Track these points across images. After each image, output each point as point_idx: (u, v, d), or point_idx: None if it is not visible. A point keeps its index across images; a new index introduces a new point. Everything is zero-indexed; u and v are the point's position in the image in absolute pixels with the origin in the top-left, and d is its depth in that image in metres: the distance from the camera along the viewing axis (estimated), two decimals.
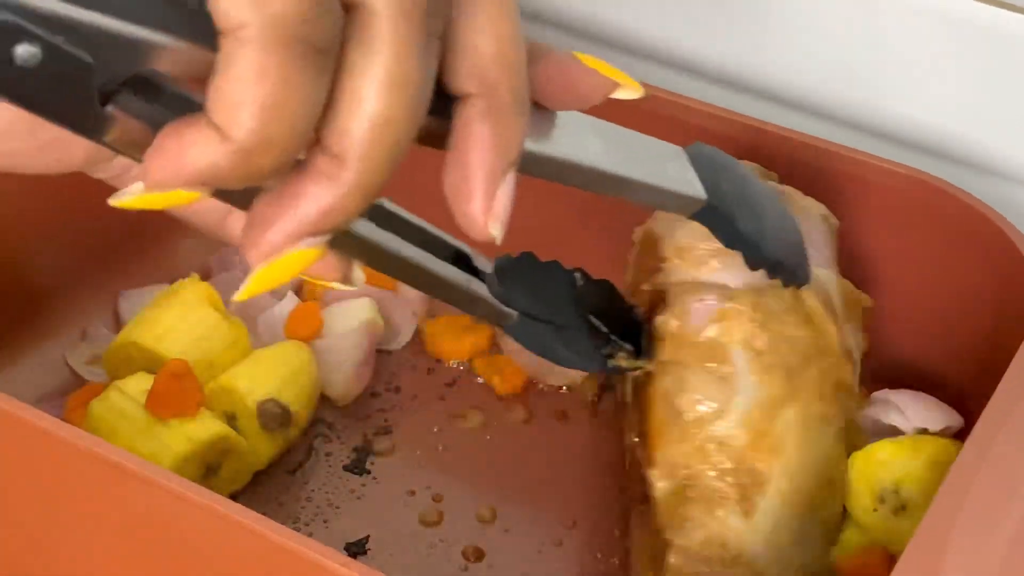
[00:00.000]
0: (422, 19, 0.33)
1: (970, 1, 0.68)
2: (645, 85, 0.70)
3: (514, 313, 0.52)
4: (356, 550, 0.64)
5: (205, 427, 0.63)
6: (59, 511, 0.54)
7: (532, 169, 0.39)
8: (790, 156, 0.68)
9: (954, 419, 0.64)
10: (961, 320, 0.66)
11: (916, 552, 0.45)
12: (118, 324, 0.73)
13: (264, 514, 0.47)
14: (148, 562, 0.53)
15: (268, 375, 0.66)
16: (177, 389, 0.63)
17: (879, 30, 0.71)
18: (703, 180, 0.45)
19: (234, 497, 0.63)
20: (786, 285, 0.54)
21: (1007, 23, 0.67)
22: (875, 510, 0.60)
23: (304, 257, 0.34)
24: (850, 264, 0.70)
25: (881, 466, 0.60)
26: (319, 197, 0.33)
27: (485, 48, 0.35)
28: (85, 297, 0.74)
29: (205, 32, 0.32)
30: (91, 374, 0.71)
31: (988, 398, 0.52)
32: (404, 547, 0.64)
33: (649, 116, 0.70)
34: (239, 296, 0.36)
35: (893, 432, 0.63)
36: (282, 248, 0.34)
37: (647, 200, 0.44)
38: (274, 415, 0.65)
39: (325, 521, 0.65)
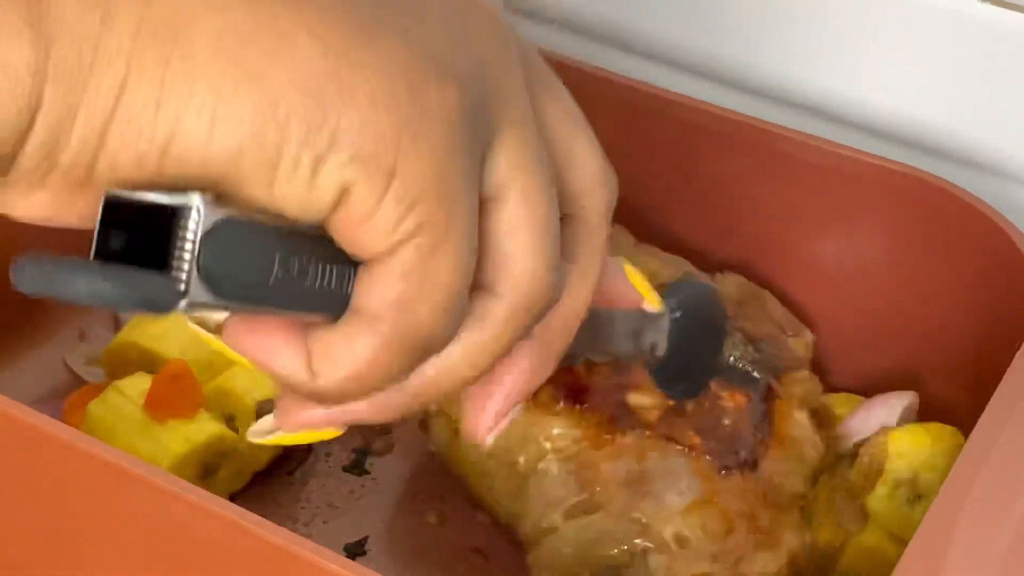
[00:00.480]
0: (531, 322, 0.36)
1: (970, 1, 0.68)
2: (645, 85, 0.71)
3: None
4: (355, 551, 0.64)
5: (203, 428, 0.63)
6: (58, 512, 0.54)
7: None
8: (790, 155, 0.68)
9: (907, 397, 0.65)
10: (961, 319, 0.66)
11: (920, 548, 0.45)
12: (117, 325, 0.73)
13: (263, 515, 0.47)
14: (148, 563, 0.53)
15: (267, 376, 0.65)
16: (176, 390, 0.63)
17: (879, 29, 0.71)
18: (670, 339, 0.49)
19: (233, 498, 0.63)
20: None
21: (1007, 23, 0.67)
22: (891, 499, 0.60)
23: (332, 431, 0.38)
24: (850, 263, 0.70)
25: (899, 454, 0.60)
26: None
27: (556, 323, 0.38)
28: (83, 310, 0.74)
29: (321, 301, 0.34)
30: (89, 374, 0.71)
31: (989, 397, 0.52)
32: (404, 548, 0.64)
33: (649, 116, 0.70)
34: (258, 440, 0.39)
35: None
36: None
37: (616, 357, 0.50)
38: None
39: (324, 522, 0.65)
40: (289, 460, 0.67)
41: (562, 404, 0.58)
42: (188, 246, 0.31)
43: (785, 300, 0.72)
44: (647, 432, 0.58)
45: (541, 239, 0.34)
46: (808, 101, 0.74)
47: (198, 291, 0.31)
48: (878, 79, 0.72)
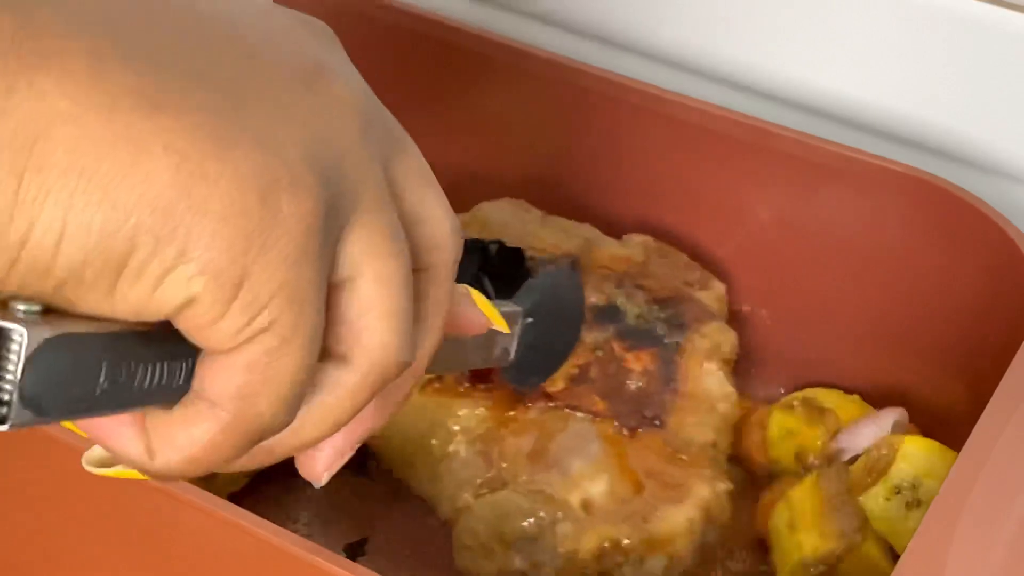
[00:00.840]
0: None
1: (970, 1, 0.68)
2: (646, 85, 0.71)
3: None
4: (355, 551, 0.64)
5: None
6: (58, 513, 0.54)
7: None
8: (790, 155, 0.68)
9: (895, 412, 0.66)
10: (961, 318, 0.66)
11: (918, 551, 0.45)
12: None
13: (264, 516, 0.47)
14: (148, 563, 0.53)
15: None
16: None
17: (879, 30, 0.71)
18: (522, 341, 0.51)
19: (232, 498, 0.63)
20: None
21: (1007, 23, 0.67)
22: (888, 499, 0.60)
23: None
24: (850, 263, 0.70)
25: (905, 458, 0.60)
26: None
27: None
28: None
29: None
30: None
31: (989, 396, 0.52)
32: (404, 548, 0.64)
33: (649, 116, 0.71)
34: (93, 470, 0.40)
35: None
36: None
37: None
38: None
39: (324, 522, 0.65)
40: (289, 460, 0.67)
41: (467, 386, 0.60)
42: (9, 373, 0.30)
43: (785, 299, 0.72)
44: (551, 404, 0.60)
45: (394, 316, 0.36)
46: (808, 101, 0.74)
47: (20, 414, 0.31)
48: (878, 79, 0.72)
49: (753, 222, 0.71)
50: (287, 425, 0.35)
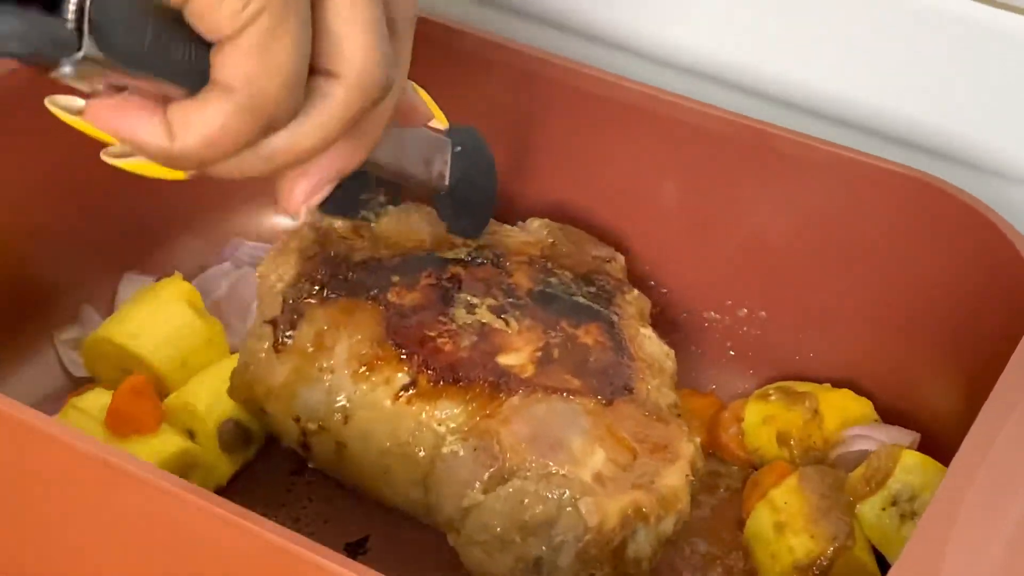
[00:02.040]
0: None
1: (970, 1, 0.68)
2: (645, 86, 0.71)
3: None
4: (355, 551, 0.64)
5: (167, 443, 0.63)
6: (59, 513, 0.54)
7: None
8: (789, 156, 0.68)
9: (909, 436, 0.67)
10: (959, 319, 0.66)
11: (915, 552, 0.45)
12: (109, 310, 0.73)
13: (264, 514, 0.47)
14: (148, 562, 0.53)
15: (223, 386, 0.65)
16: (136, 406, 0.62)
17: (879, 30, 0.71)
18: (453, 171, 0.56)
19: (233, 497, 0.63)
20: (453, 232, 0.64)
21: (1007, 23, 0.67)
22: (883, 509, 0.60)
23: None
24: (849, 263, 0.70)
25: (904, 470, 0.60)
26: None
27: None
28: (84, 294, 0.74)
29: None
30: (71, 362, 0.71)
31: (986, 396, 0.52)
32: (404, 548, 0.64)
33: (649, 116, 0.71)
34: (111, 160, 0.46)
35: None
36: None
37: (410, 183, 0.56)
38: (236, 437, 0.65)
39: (325, 521, 0.65)
40: (290, 460, 0.67)
41: (440, 385, 0.59)
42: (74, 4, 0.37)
43: (781, 298, 0.72)
44: (527, 389, 0.59)
45: (371, 24, 0.40)
46: (808, 102, 0.74)
47: (88, 44, 0.37)
48: (878, 81, 0.72)
49: (750, 222, 0.71)
50: (292, 110, 0.40)
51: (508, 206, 0.72)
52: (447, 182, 0.55)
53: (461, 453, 0.58)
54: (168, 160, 0.40)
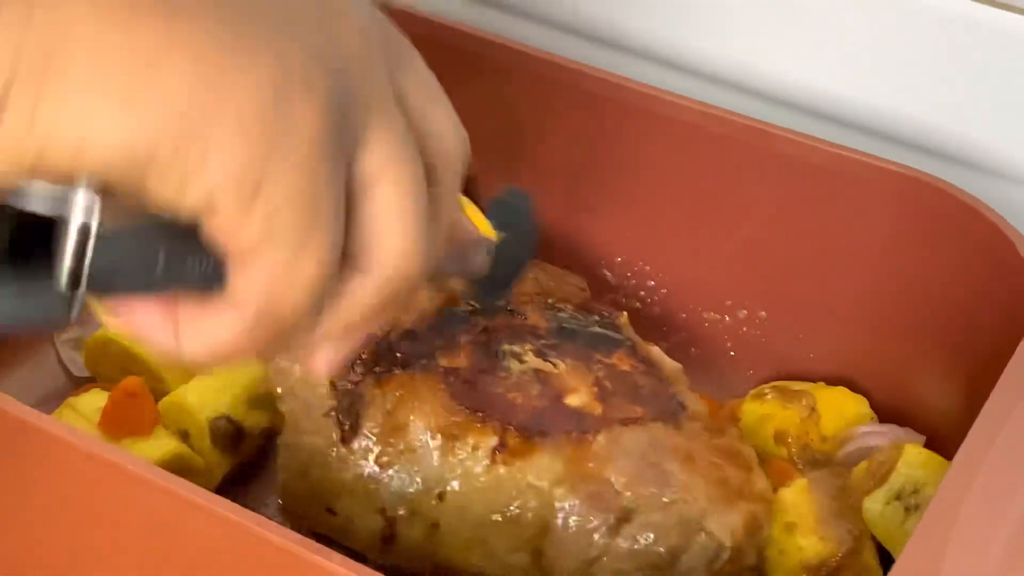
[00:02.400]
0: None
1: (970, 1, 0.68)
2: (645, 86, 0.71)
3: None
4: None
5: (161, 446, 0.62)
6: (58, 512, 0.54)
7: None
8: (789, 156, 0.68)
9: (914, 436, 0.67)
10: (960, 319, 0.66)
11: (914, 555, 0.45)
12: None
13: (264, 515, 0.47)
14: (148, 562, 0.53)
15: (221, 391, 0.64)
16: (131, 408, 0.62)
17: (879, 30, 0.71)
18: (492, 259, 0.52)
19: (235, 496, 0.63)
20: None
21: (1007, 23, 0.67)
22: (887, 504, 0.60)
23: None
24: (849, 263, 0.70)
25: (907, 464, 0.60)
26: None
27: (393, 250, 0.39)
28: None
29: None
30: (72, 362, 0.70)
31: (986, 397, 0.52)
32: None
33: (650, 116, 0.71)
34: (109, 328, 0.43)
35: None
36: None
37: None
38: (227, 433, 0.64)
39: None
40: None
41: (529, 440, 0.57)
42: (76, 250, 0.33)
43: (781, 298, 0.72)
44: (607, 425, 0.58)
45: (412, 222, 0.37)
46: (808, 102, 0.74)
47: (84, 299, 0.33)
48: (878, 81, 0.72)
49: (751, 222, 0.71)
50: (312, 315, 0.37)
51: (614, 220, 0.73)
52: (484, 272, 0.52)
53: (577, 504, 0.56)
54: (176, 359, 0.38)
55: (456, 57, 0.73)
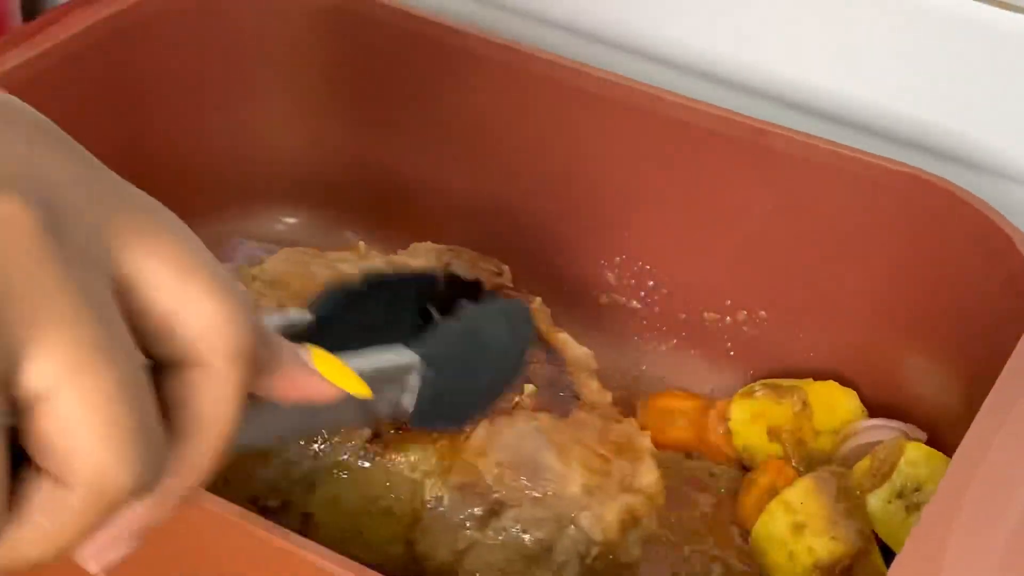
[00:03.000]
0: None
1: (970, 1, 0.68)
2: (646, 85, 0.71)
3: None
4: None
5: None
6: None
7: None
8: (790, 155, 0.68)
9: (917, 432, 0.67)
10: (959, 318, 0.66)
11: (916, 548, 0.45)
12: None
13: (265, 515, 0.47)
14: (147, 562, 0.52)
15: None
16: None
17: (879, 30, 0.71)
18: (423, 392, 0.46)
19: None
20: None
21: (1007, 23, 0.67)
22: (889, 502, 0.60)
23: None
24: (849, 263, 0.70)
25: (909, 463, 0.60)
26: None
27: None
28: None
29: None
30: None
31: (984, 396, 0.52)
32: None
33: (650, 116, 0.71)
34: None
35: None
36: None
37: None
38: None
39: None
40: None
41: (403, 430, 0.57)
42: None
43: (781, 297, 0.72)
44: (489, 416, 0.58)
45: (107, 433, 0.32)
46: (807, 101, 0.74)
47: None
48: (878, 79, 0.72)
49: (750, 222, 0.71)
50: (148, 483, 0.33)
51: (605, 219, 0.72)
52: (410, 409, 0.46)
53: (446, 496, 0.56)
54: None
55: (456, 57, 0.73)
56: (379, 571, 0.50)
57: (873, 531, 0.62)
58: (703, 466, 0.70)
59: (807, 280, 0.71)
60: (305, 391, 0.39)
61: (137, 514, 0.35)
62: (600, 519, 0.55)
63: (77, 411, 0.32)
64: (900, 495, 0.60)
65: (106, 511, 0.33)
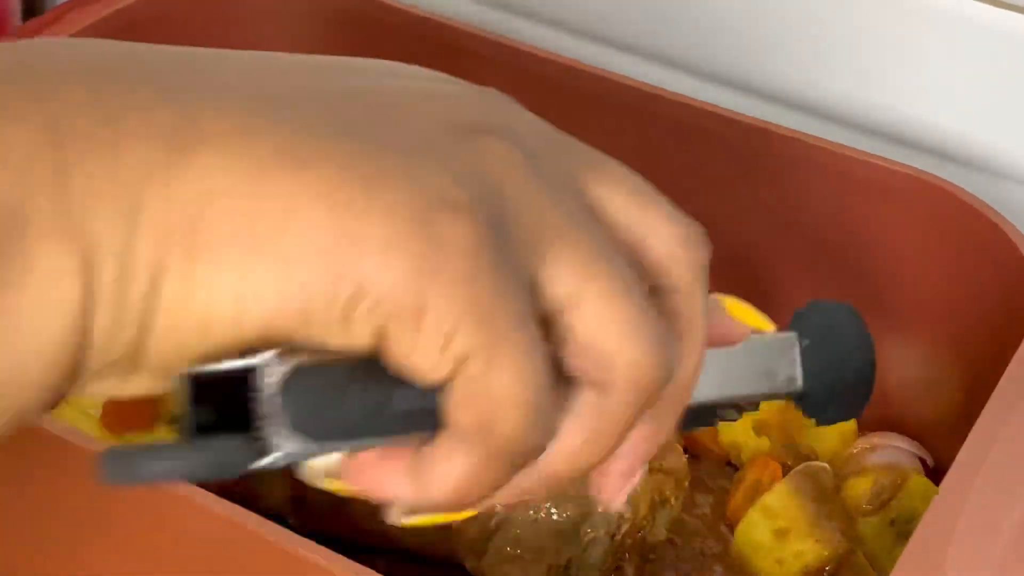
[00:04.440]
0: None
1: (970, 1, 0.68)
2: (645, 84, 0.71)
3: None
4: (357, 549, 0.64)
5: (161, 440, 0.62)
6: (58, 511, 0.54)
7: None
8: (792, 157, 0.68)
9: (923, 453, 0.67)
10: (962, 320, 0.66)
11: (916, 554, 0.45)
12: None
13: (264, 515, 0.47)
14: (147, 562, 0.53)
15: None
16: (133, 403, 0.62)
17: (880, 30, 0.71)
18: (805, 368, 0.47)
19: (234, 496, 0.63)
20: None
21: (1007, 23, 0.67)
22: (883, 530, 0.61)
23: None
24: (850, 264, 0.70)
25: (909, 495, 0.61)
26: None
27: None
28: None
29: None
30: None
31: (987, 398, 0.52)
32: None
33: (650, 116, 0.71)
34: (402, 521, 0.38)
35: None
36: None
37: (756, 400, 0.48)
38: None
39: None
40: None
41: None
42: (267, 402, 0.32)
43: (784, 299, 0.72)
44: None
45: (634, 330, 0.35)
46: (812, 104, 0.74)
47: (290, 443, 0.32)
48: (880, 81, 0.72)
49: (751, 223, 0.71)
50: (543, 443, 0.35)
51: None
52: (799, 384, 0.47)
53: None
54: (423, 511, 0.36)
55: (457, 56, 0.73)
56: (410, 548, 0.51)
57: (855, 531, 0.62)
58: (702, 466, 0.70)
59: (807, 282, 0.71)
60: (723, 332, 0.43)
61: (642, 441, 0.38)
62: (631, 498, 0.56)
63: (604, 312, 0.34)
64: (892, 523, 0.61)
65: (639, 406, 0.36)
